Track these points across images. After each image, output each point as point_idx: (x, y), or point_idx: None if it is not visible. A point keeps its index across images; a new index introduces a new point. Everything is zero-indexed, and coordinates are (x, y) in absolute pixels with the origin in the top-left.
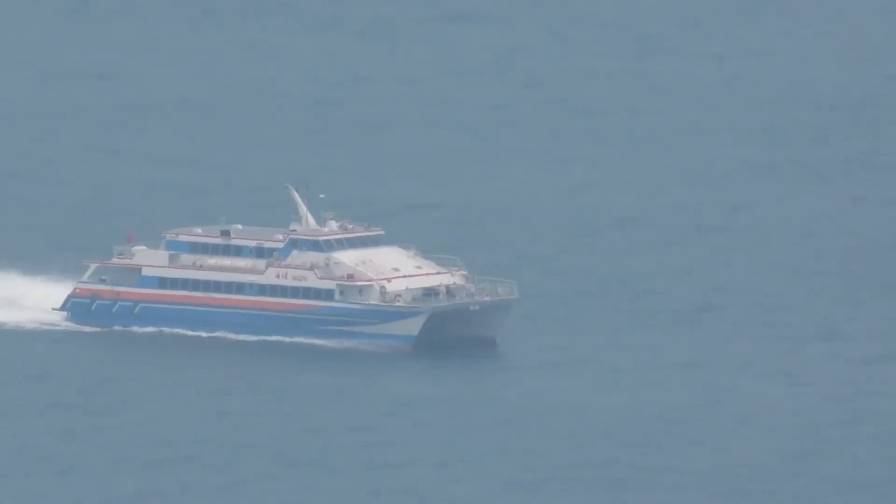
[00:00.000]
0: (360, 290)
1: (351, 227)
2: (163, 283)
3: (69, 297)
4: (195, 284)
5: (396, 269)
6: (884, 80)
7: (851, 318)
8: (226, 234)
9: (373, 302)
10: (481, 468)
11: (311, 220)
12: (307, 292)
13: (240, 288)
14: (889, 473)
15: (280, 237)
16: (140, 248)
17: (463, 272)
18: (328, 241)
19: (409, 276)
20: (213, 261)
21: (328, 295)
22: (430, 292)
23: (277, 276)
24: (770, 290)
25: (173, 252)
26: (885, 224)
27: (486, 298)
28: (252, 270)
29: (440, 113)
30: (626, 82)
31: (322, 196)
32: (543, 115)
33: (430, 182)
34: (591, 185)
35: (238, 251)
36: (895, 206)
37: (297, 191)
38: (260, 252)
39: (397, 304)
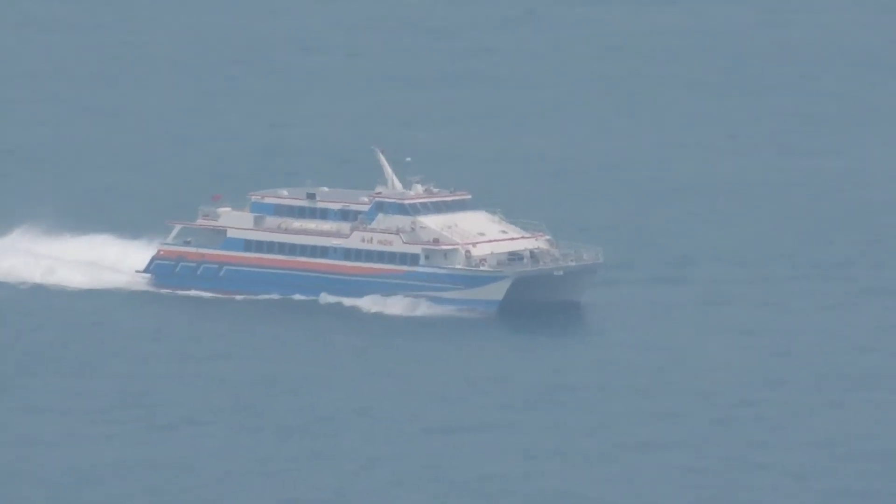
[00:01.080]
0: (446, 254)
1: (437, 191)
2: (248, 245)
3: (153, 258)
4: (280, 247)
5: (482, 234)
6: None
7: None
8: (311, 196)
9: (458, 266)
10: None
11: (396, 183)
12: (392, 256)
13: (325, 251)
14: None
15: (366, 200)
16: (225, 210)
17: (548, 237)
18: (414, 204)
19: (495, 240)
20: (298, 223)
21: (413, 259)
22: (514, 257)
23: (363, 240)
24: None
25: (258, 214)
26: None
27: (571, 263)
28: (337, 234)
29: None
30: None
31: (408, 160)
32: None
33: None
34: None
35: (323, 214)
36: None
37: (383, 154)
38: (345, 215)
39: (482, 268)
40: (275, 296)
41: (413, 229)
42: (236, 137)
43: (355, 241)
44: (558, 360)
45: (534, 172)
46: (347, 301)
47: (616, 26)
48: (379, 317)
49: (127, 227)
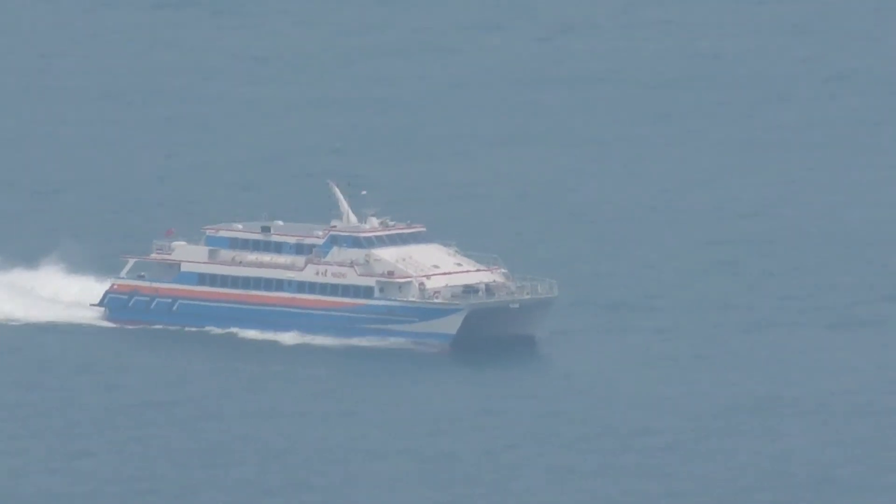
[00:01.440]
0: (400, 287)
1: (392, 223)
2: (202, 279)
3: (107, 292)
4: (234, 281)
5: (436, 266)
6: None
7: None
8: (266, 230)
9: (412, 299)
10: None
11: (352, 216)
12: (346, 289)
13: (279, 285)
14: None
15: (320, 233)
16: (179, 244)
17: (503, 270)
18: (369, 237)
19: (449, 273)
20: (252, 257)
21: (367, 292)
22: (469, 290)
23: (317, 273)
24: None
25: (213, 248)
26: None
27: (526, 296)
28: (291, 267)
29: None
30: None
31: (364, 193)
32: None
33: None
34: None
35: (278, 247)
36: None
37: (338, 187)
38: (300, 248)
39: (436, 300)
40: (229, 329)
41: (367, 262)
42: (187, 170)
43: (309, 274)
44: (502, 391)
45: (482, 203)
46: (300, 334)
47: (555, 54)
48: (329, 349)
49: (81, 260)
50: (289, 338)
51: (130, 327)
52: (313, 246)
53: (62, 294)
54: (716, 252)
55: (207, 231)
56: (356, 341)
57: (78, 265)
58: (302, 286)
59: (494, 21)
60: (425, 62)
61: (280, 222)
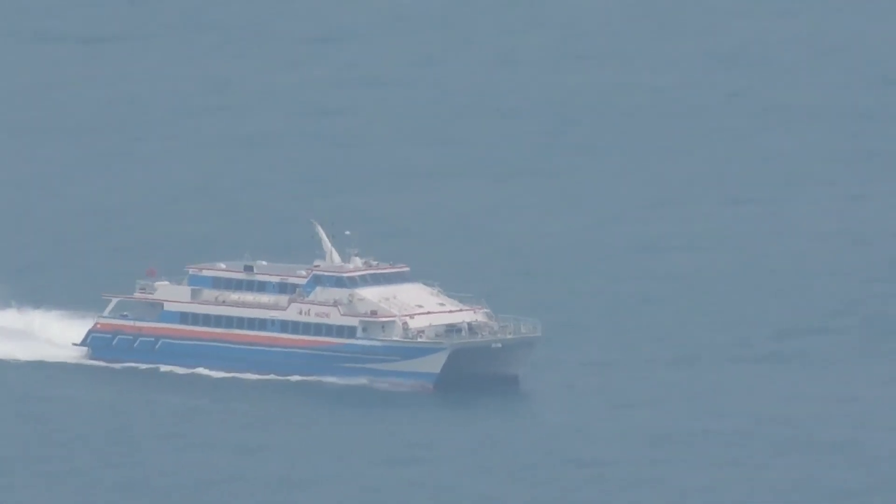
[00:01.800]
0: (383, 326)
1: (375, 263)
2: (184, 318)
3: (90, 331)
4: (217, 320)
5: (420, 306)
6: None
7: None
8: (249, 269)
9: (395, 338)
10: None
11: (335, 256)
12: (330, 329)
13: (262, 324)
14: None
15: (304, 273)
16: (162, 283)
17: (486, 309)
18: (352, 277)
19: (432, 312)
20: (235, 296)
21: (351, 332)
22: (452, 329)
23: (300, 313)
24: None
25: (196, 287)
26: None
27: (509, 336)
28: (275, 306)
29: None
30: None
31: (348, 233)
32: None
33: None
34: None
35: (261, 287)
36: None
37: (321, 227)
38: (283, 288)
39: (419, 340)
40: (212, 369)
41: (351, 301)
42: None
43: (293, 313)
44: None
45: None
46: (283, 374)
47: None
48: (313, 388)
49: (64, 300)
50: (271, 377)
51: (114, 366)
52: (296, 285)
53: (44, 333)
54: (642, 286)
55: (190, 270)
56: (338, 380)
57: (59, 304)
58: (285, 325)
59: (429, 54)
60: (359, 95)
61: (263, 262)
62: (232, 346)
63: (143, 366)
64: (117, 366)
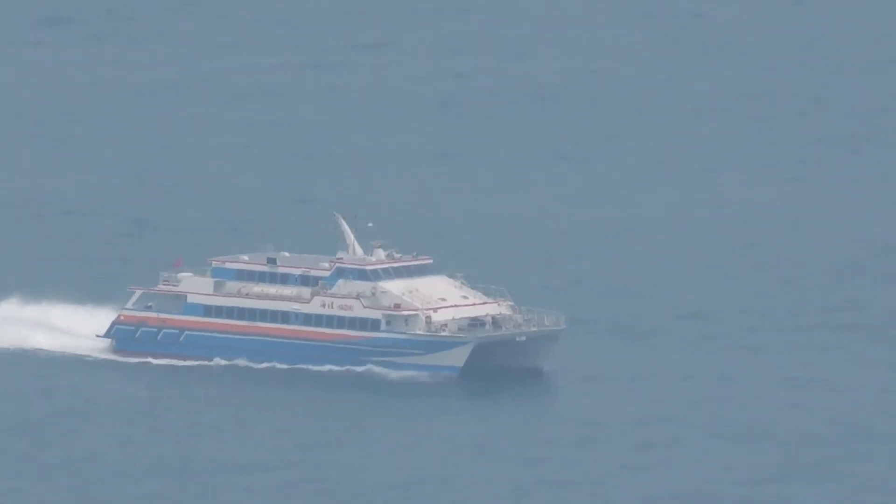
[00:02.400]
0: (406, 319)
1: (399, 255)
2: (208, 310)
3: (113, 323)
4: (240, 313)
5: (443, 299)
6: None
7: None
8: (272, 261)
9: (418, 332)
10: None
11: (358, 248)
12: (353, 322)
13: (285, 317)
14: None
15: (326, 265)
16: (186, 275)
17: (510, 302)
18: (375, 270)
19: (456, 305)
20: (258, 288)
21: (374, 325)
22: (476, 322)
23: (323, 306)
24: None
25: (219, 279)
26: None
27: (533, 329)
28: (297, 299)
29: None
30: None
31: (370, 224)
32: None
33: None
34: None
35: (284, 279)
36: None
37: (344, 219)
38: (306, 280)
39: (443, 333)
40: (235, 361)
41: (374, 294)
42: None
43: (315, 306)
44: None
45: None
46: (306, 366)
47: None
48: (336, 380)
49: (88, 291)
50: (293, 369)
51: (135, 360)
52: (319, 278)
53: (67, 325)
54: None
55: (213, 262)
56: (361, 373)
57: (86, 296)
58: (308, 318)
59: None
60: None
61: (286, 254)
62: (255, 338)
63: (167, 358)
64: (138, 359)
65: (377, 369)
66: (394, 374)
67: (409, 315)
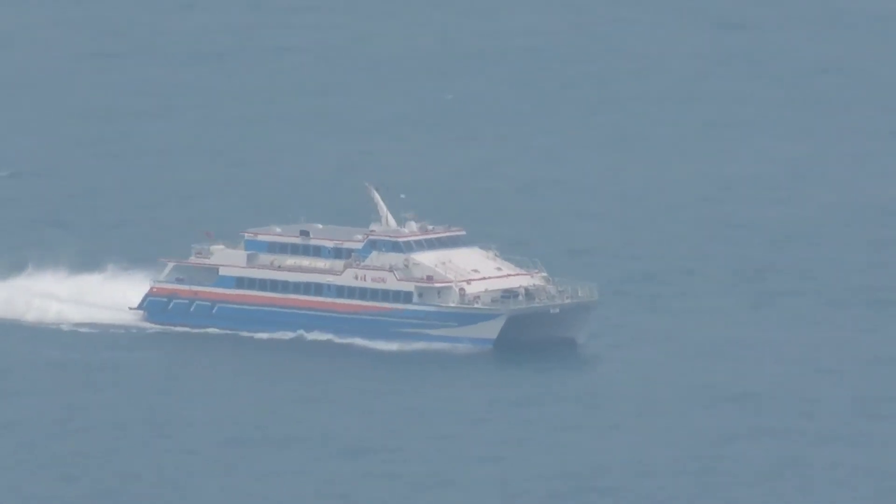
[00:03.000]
0: (439, 291)
1: (431, 227)
2: (240, 283)
3: (146, 296)
4: (273, 285)
5: (476, 271)
6: None
7: None
8: (305, 233)
9: (451, 304)
10: None
11: (391, 220)
12: (386, 294)
13: (318, 289)
14: None
15: (359, 237)
16: (218, 247)
17: (543, 273)
18: (408, 242)
19: (489, 277)
20: (291, 261)
21: (407, 297)
22: (509, 294)
23: (356, 278)
24: None
25: (251, 252)
26: None
27: (567, 300)
28: (330, 271)
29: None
30: None
31: (403, 196)
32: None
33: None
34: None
35: (317, 251)
36: None
37: (377, 190)
38: (338, 253)
39: (476, 306)
40: (266, 333)
41: (406, 266)
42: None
43: (348, 278)
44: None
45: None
46: (340, 339)
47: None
48: (371, 354)
49: (121, 263)
50: (326, 341)
51: (172, 330)
52: (352, 250)
53: (101, 297)
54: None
55: (246, 235)
56: (395, 346)
57: (116, 267)
58: (341, 290)
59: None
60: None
61: (319, 226)
62: (288, 310)
63: (199, 330)
64: (176, 329)
65: (410, 342)
66: (427, 346)
67: (442, 287)
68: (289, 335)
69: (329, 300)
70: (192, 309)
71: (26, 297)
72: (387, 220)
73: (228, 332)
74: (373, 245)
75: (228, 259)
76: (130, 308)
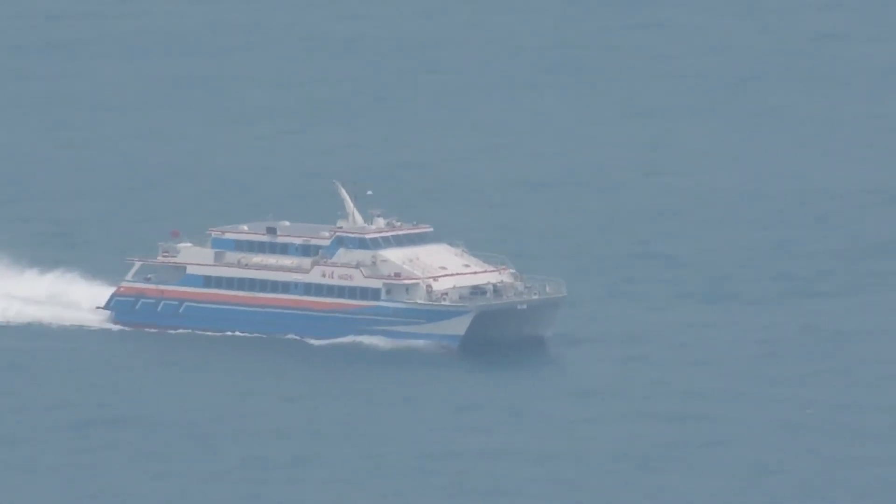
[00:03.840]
0: (407, 288)
1: (399, 224)
2: (208, 281)
3: (113, 295)
4: (240, 283)
5: (444, 268)
6: None
7: None
8: (272, 231)
9: (419, 301)
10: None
11: (358, 217)
12: (353, 291)
13: (285, 287)
14: None
15: (326, 234)
16: (185, 246)
17: (511, 270)
18: (375, 238)
19: (457, 274)
20: (258, 259)
21: (374, 294)
22: (477, 291)
23: (323, 275)
24: None
25: (219, 250)
26: None
27: (535, 297)
28: (298, 269)
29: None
30: None
31: (370, 193)
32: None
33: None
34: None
35: (284, 249)
36: None
37: (344, 187)
38: (306, 250)
39: (444, 303)
40: (235, 332)
41: (374, 263)
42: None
43: (316, 276)
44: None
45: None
46: (307, 336)
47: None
48: (337, 351)
49: (86, 263)
50: (294, 340)
51: (134, 330)
52: (319, 247)
53: (65, 296)
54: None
55: (213, 233)
56: (361, 343)
57: (82, 267)
58: (308, 288)
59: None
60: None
61: (286, 223)
62: (255, 309)
63: (167, 329)
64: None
65: (377, 339)
66: (394, 344)
67: (410, 284)
68: (256, 333)
69: (297, 298)
70: (159, 308)
71: None
72: (354, 216)
73: (197, 331)
74: (340, 242)
75: (195, 257)
76: (97, 308)
